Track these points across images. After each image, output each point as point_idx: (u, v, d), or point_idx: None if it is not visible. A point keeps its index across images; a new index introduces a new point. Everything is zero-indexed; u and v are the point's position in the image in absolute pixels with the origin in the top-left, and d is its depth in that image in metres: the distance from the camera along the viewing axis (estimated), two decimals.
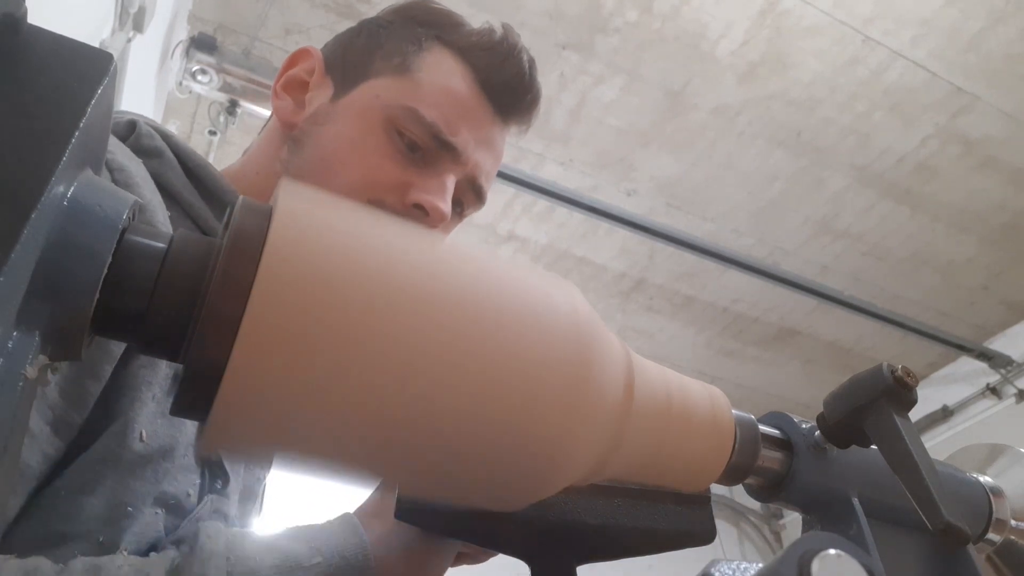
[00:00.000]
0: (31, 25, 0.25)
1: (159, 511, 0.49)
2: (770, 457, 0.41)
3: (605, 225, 2.72)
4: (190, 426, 0.52)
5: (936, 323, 3.24)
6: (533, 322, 0.29)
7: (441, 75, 0.70)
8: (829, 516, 0.42)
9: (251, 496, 0.65)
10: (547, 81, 2.37)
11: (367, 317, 0.25)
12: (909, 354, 3.38)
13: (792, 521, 3.95)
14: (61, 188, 0.24)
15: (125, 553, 0.43)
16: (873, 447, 0.39)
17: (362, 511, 0.50)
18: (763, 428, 0.41)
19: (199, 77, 2.22)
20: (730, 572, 0.41)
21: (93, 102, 0.25)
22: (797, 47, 2.31)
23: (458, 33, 0.73)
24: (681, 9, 2.21)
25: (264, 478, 0.70)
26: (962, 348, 3.29)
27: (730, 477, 0.40)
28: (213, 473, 0.56)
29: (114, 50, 1.38)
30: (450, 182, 0.68)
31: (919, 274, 3.08)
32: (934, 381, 3.54)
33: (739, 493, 3.80)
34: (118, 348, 0.47)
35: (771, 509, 3.95)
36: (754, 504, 3.88)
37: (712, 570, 0.41)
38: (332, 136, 0.68)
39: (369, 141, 0.67)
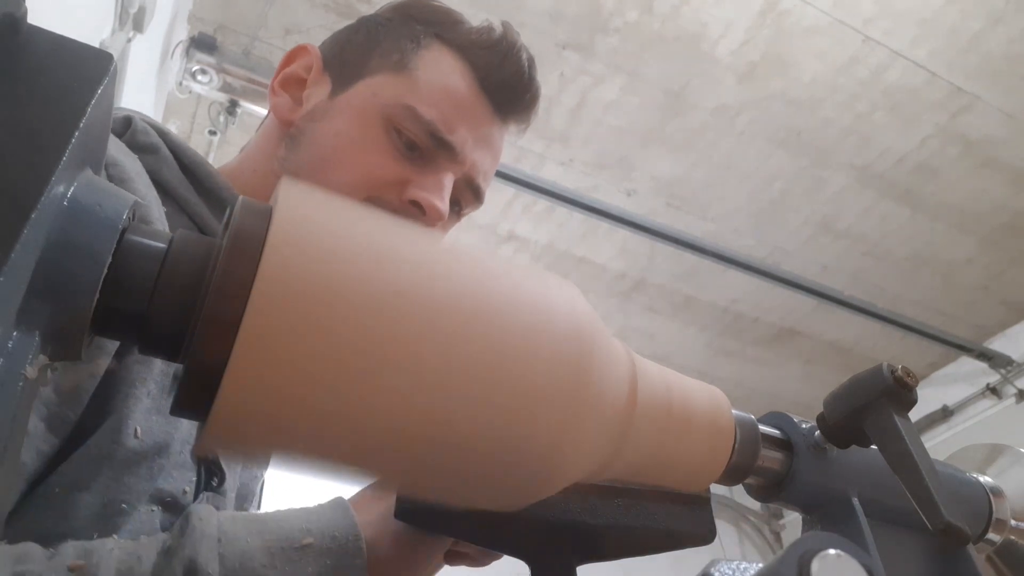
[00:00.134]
0: (31, 25, 0.25)
1: (155, 508, 0.49)
2: (770, 457, 0.41)
3: (605, 225, 2.72)
4: (186, 423, 0.52)
5: (936, 323, 3.24)
6: (533, 322, 0.29)
7: (439, 73, 0.69)
8: (829, 516, 0.42)
9: (248, 495, 0.65)
10: (547, 81, 2.38)
11: (367, 318, 0.25)
12: (909, 354, 3.38)
13: (792, 521, 3.95)
14: (61, 188, 0.24)
15: (115, 536, 0.43)
16: (873, 447, 0.39)
17: (352, 500, 0.50)
18: (763, 428, 0.41)
19: (199, 77, 2.22)
20: (730, 572, 0.41)
21: (93, 102, 0.25)
22: (797, 47, 2.31)
23: (457, 31, 0.72)
24: (681, 9, 2.21)
25: (262, 476, 0.69)
26: (962, 348, 3.29)
27: (730, 477, 0.40)
28: (209, 471, 0.56)
29: (114, 50, 1.38)
30: (448, 181, 0.68)
31: (919, 274, 3.08)
32: (934, 381, 3.54)
33: (739, 493, 3.80)
34: (113, 344, 0.47)
35: (771, 509, 3.95)
36: (754, 504, 3.88)
37: (712, 570, 0.41)
38: (330, 133, 0.68)
39: (367, 139, 0.67)
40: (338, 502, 0.48)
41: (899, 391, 0.39)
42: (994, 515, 0.47)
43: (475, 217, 2.88)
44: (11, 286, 0.21)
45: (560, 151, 2.63)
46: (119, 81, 1.51)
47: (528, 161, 2.63)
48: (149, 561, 0.40)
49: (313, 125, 0.69)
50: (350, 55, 0.72)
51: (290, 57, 0.75)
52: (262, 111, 2.26)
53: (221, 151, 2.48)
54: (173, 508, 0.50)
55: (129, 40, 1.46)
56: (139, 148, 0.59)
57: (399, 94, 0.68)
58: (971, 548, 0.41)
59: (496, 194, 2.66)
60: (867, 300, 3.05)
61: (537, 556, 0.42)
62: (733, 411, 0.40)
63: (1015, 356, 3.25)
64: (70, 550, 0.39)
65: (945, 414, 3.42)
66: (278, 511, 0.46)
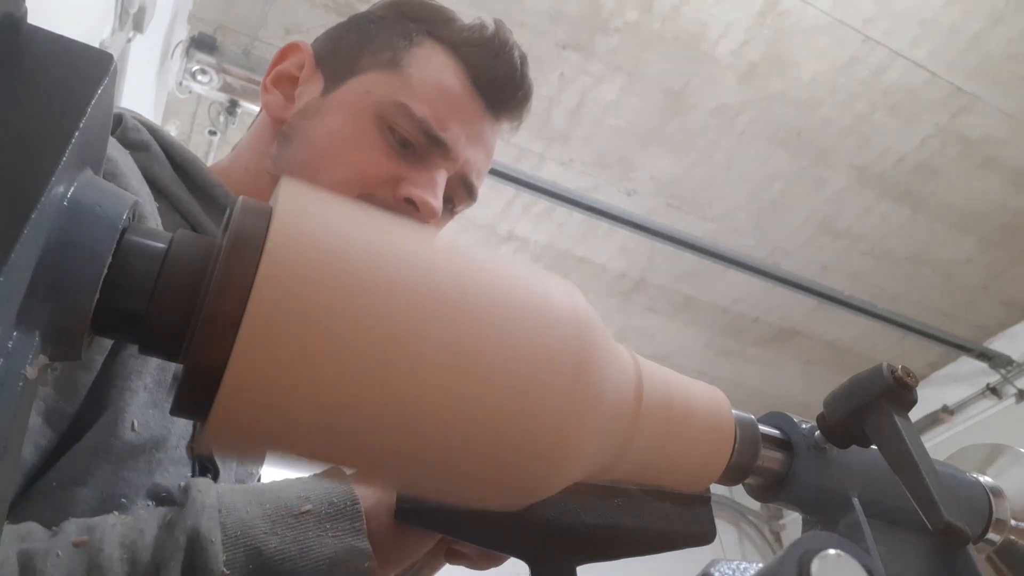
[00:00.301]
0: (31, 25, 0.25)
1: (150, 503, 0.49)
2: (770, 457, 0.41)
3: (605, 225, 2.72)
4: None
5: (936, 323, 3.24)
6: (532, 321, 0.29)
7: (432, 71, 0.69)
8: (829, 516, 0.42)
9: None
10: (547, 81, 2.38)
11: (366, 317, 0.25)
12: (909, 354, 3.38)
13: (792, 521, 3.94)
14: (61, 188, 0.24)
15: (116, 513, 0.43)
16: (873, 447, 0.39)
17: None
18: (763, 428, 0.41)
19: (199, 77, 2.22)
20: (730, 572, 0.41)
21: (93, 102, 0.25)
22: (797, 47, 2.31)
23: (449, 28, 0.72)
24: (681, 9, 2.21)
25: (257, 472, 0.69)
26: (962, 348, 3.29)
27: (730, 477, 0.40)
28: (204, 466, 0.56)
29: (114, 50, 1.38)
30: (441, 178, 0.68)
31: (919, 274, 3.08)
32: (934, 381, 3.54)
33: (739, 493, 3.80)
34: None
35: (771, 509, 3.95)
36: (754, 504, 3.88)
37: (712, 570, 0.41)
38: (322, 131, 0.68)
39: (360, 136, 0.67)
40: (334, 470, 0.48)
41: (899, 391, 0.39)
42: (994, 515, 0.47)
43: (475, 217, 2.89)
44: (11, 286, 0.21)
45: (560, 151, 2.63)
46: (119, 81, 1.51)
47: (528, 161, 2.63)
48: (151, 534, 0.40)
49: (306, 123, 0.69)
50: (343, 52, 0.72)
51: (282, 55, 0.75)
52: None
53: (221, 151, 2.48)
54: (168, 504, 0.50)
55: (129, 40, 1.46)
56: (130, 145, 0.59)
57: (392, 91, 0.68)
58: (971, 548, 0.41)
59: (496, 194, 2.66)
60: (867, 300, 3.05)
61: (537, 556, 0.42)
62: (733, 411, 0.40)
63: (1015, 356, 3.25)
64: (72, 527, 0.40)
65: (945, 414, 3.42)
66: (275, 481, 0.46)
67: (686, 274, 3.07)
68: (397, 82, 0.68)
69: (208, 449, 0.27)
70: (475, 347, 0.27)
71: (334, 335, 0.25)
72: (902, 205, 2.81)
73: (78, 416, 0.46)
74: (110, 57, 0.26)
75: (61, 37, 0.26)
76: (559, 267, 3.02)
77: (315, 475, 0.47)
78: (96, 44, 1.29)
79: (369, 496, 0.46)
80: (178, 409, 0.26)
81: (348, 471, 0.29)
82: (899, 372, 0.39)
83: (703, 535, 0.44)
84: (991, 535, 0.47)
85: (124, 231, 0.26)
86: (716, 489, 0.45)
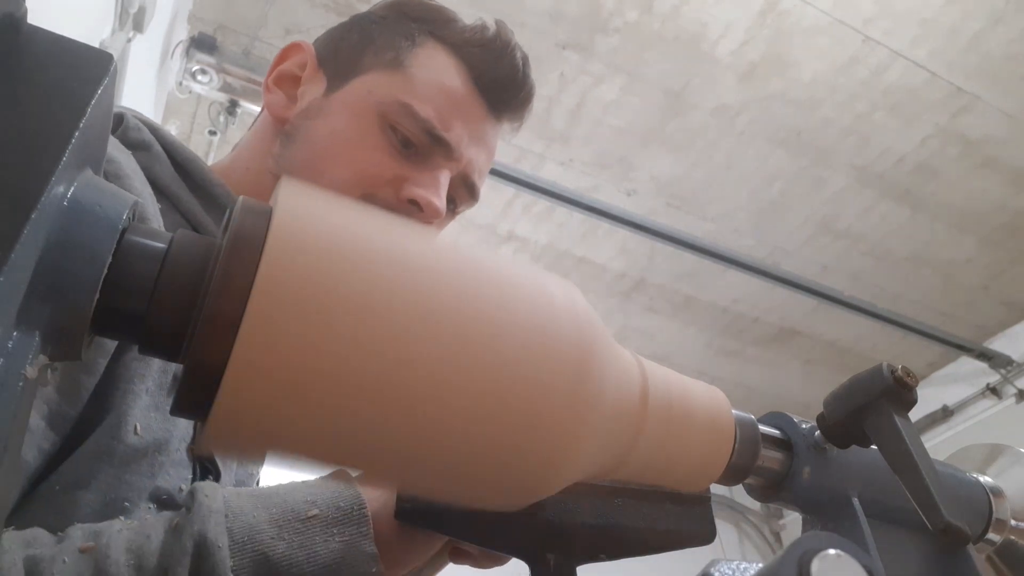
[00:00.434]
0: (31, 25, 0.25)
1: (152, 506, 0.49)
2: (770, 457, 0.41)
3: (605, 225, 2.72)
4: (184, 420, 0.52)
5: (936, 323, 3.24)
6: (533, 321, 0.29)
7: (434, 71, 0.69)
8: (829, 516, 0.42)
9: None
10: (547, 81, 2.38)
11: (367, 317, 0.25)
12: (909, 354, 3.38)
13: (792, 521, 3.94)
14: (61, 188, 0.24)
15: (122, 518, 0.43)
16: (873, 447, 0.39)
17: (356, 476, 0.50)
18: (763, 428, 0.41)
19: (199, 77, 2.22)
20: (730, 572, 0.41)
21: (93, 102, 0.25)
22: (797, 47, 2.31)
23: (451, 29, 0.72)
24: (681, 9, 2.21)
25: (257, 473, 0.69)
26: (962, 348, 3.29)
27: (730, 477, 0.40)
28: (205, 468, 0.56)
29: (114, 50, 1.38)
30: (444, 177, 0.68)
31: (919, 274, 3.08)
32: (934, 381, 3.54)
33: (739, 493, 3.80)
34: (111, 341, 0.47)
35: (771, 509, 3.95)
36: (754, 504, 3.88)
37: (712, 570, 0.41)
38: (325, 131, 0.68)
39: (362, 136, 0.67)
40: (341, 474, 0.48)
41: (899, 391, 0.39)
42: (994, 515, 0.47)
43: (475, 217, 2.89)
44: (11, 286, 0.21)
45: (560, 151, 2.63)
46: (119, 81, 1.51)
47: (528, 161, 2.63)
48: (158, 539, 0.40)
49: (308, 123, 0.69)
50: (345, 53, 0.72)
51: (284, 54, 0.75)
52: None
53: (221, 151, 2.47)
54: (169, 506, 0.50)
55: (129, 40, 1.46)
56: (131, 145, 0.59)
57: (394, 92, 0.68)
58: (971, 548, 0.41)
59: (496, 194, 2.66)
60: (867, 300, 3.05)
61: (537, 556, 0.42)
62: (733, 411, 0.40)
63: (1015, 356, 3.25)
64: (78, 532, 0.40)
65: (945, 414, 3.42)
66: (281, 485, 0.46)
67: (686, 274, 3.07)
68: (400, 82, 0.68)
69: (208, 449, 0.27)
70: (475, 347, 0.27)
71: (334, 335, 0.25)
72: (902, 205, 2.81)
73: (81, 419, 0.46)
74: (110, 57, 0.26)
75: (61, 37, 0.26)
76: (559, 267, 3.02)
77: (321, 478, 0.47)
78: (96, 44, 1.29)
79: (376, 499, 0.45)
80: (178, 409, 0.26)
81: (354, 473, 0.29)
82: (899, 372, 0.39)
83: (703, 535, 0.44)
84: (991, 535, 0.47)
85: (124, 231, 0.26)
86: (716, 489, 0.45)
